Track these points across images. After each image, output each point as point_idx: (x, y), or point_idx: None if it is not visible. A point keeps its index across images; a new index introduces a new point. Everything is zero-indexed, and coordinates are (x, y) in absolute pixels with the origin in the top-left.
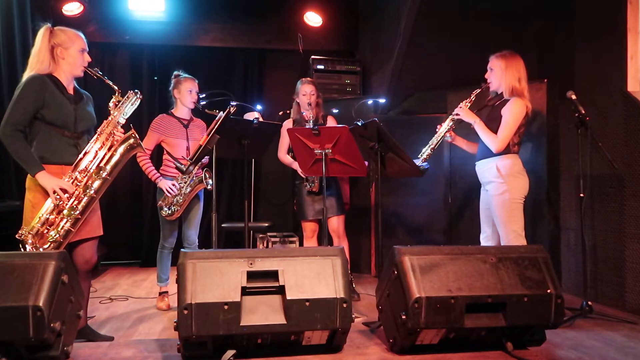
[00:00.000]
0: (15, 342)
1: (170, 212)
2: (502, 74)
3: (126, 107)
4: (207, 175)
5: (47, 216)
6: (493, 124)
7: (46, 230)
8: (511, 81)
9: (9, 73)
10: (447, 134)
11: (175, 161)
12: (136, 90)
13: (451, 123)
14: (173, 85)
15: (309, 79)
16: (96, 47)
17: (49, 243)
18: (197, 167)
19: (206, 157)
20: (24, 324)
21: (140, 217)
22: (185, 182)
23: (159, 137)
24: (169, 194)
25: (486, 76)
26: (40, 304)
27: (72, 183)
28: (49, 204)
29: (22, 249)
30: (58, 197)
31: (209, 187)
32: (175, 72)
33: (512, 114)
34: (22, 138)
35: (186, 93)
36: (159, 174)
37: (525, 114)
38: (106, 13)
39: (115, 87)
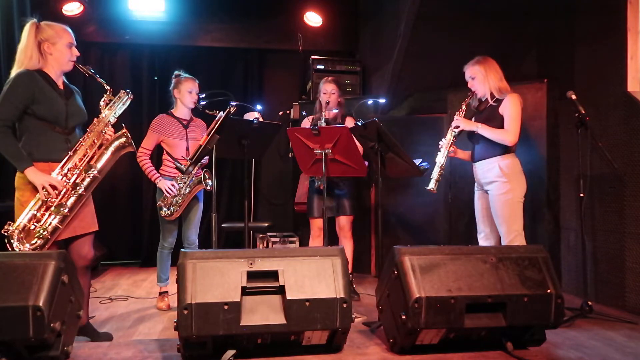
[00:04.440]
0: (15, 342)
1: (169, 212)
2: (485, 78)
3: (118, 106)
4: (207, 176)
5: (35, 212)
6: (493, 123)
7: (33, 227)
8: (495, 82)
9: (9, 73)
10: (451, 148)
11: (175, 161)
12: (127, 90)
13: (452, 137)
14: (173, 85)
15: (331, 78)
16: (96, 47)
17: (36, 239)
18: (196, 168)
19: (206, 157)
20: (24, 324)
21: (140, 217)
22: (184, 183)
23: (158, 137)
24: (168, 194)
25: (470, 86)
26: (40, 304)
27: (61, 180)
28: (37, 200)
29: (8, 246)
30: (47, 193)
31: (209, 187)
32: (176, 72)
33: (515, 107)
34: (10, 134)
35: (186, 93)
36: (158, 174)
37: (522, 107)
38: (106, 13)
39: (107, 87)
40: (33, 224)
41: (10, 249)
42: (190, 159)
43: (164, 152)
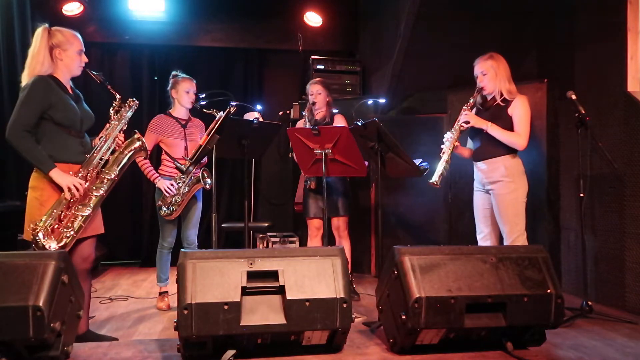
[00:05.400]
0: (15, 342)
1: (168, 211)
2: (496, 75)
3: (127, 114)
4: (205, 175)
5: (60, 212)
6: (499, 123)
7: (57, 226)
8: (504, 82)
9: (9, 73)
10: (455, 143)
11: (175, 161)
12: (134, 99)
13: (459, 131)
14: (171, 86)
15: (318, 79)
16: (96, 47)
17: (63, 237)
18: (196, 167)
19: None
20: (24, 324)
21: (140, 217)
22: (183, 182)
23: (157, 137)
24: (167, 194)
25: (479, 81)
26: (40, 304)
27: (83, 182)
28: (62, 200)
29: (33, 245)
30: (72, 193)
31: (208, 186)
32: (174, 72)
33: (526, 110)
34: (31, 138)
35: (184, 93)
36: (157, 174)
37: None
38: (106, 13)
39: (117, 95)
40: (57, 224)
41: (35, 248)
42: (190, 159)
43: (163, 152)
